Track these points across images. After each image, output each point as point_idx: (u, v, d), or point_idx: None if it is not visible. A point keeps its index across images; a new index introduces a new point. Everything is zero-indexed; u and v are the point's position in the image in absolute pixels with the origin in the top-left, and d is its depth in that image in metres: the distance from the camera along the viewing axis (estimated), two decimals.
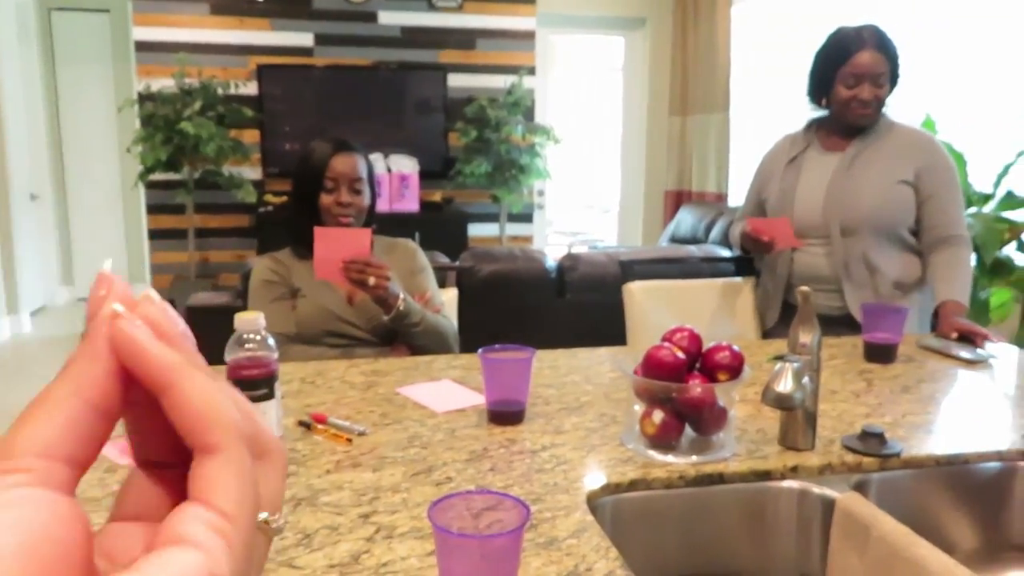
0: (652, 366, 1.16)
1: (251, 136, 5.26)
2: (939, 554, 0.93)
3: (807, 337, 1.18)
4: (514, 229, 5.78)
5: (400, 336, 1.85)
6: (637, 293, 2.20)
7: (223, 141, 4.79)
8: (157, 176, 4.93)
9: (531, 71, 5.68)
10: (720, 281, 2.36)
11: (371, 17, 5.46)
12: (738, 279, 2.37)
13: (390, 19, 5.49)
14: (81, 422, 0.27)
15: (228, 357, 1.16)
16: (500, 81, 5.60)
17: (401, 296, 1.78)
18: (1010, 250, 2.84)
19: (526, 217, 5.84)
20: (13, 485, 0.25)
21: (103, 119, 6.29)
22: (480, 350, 1.29)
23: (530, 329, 2.92)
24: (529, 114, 5.58)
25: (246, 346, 1.16)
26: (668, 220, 5.87)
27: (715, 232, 4.69)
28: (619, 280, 2.30)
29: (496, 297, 2.92)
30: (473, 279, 2.90)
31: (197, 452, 0.28)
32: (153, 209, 5.31)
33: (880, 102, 2.03)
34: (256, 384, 1.15)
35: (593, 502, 1.05)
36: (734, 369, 1.17)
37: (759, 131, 5.23)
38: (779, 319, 2.21)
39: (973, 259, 2.06)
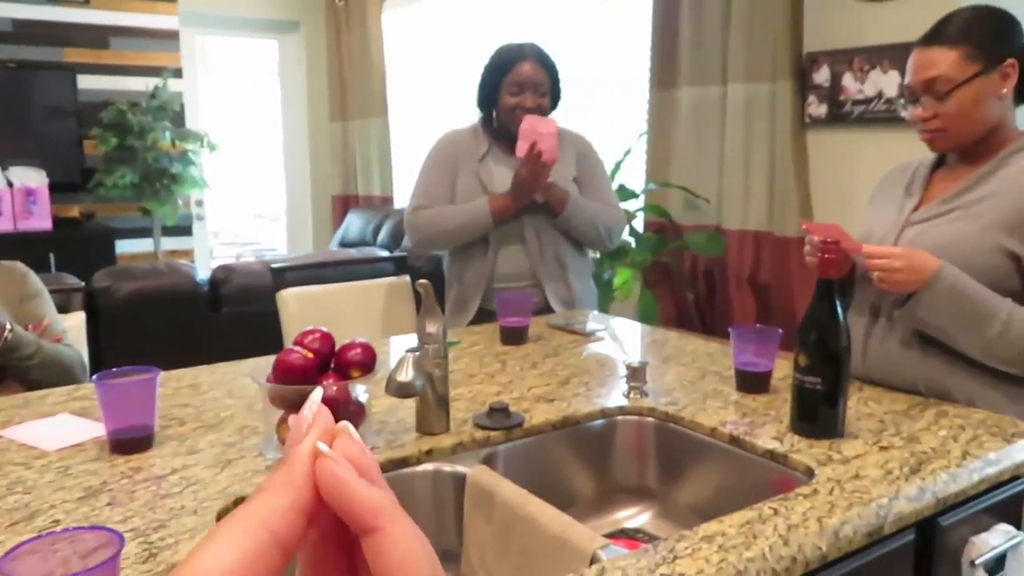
0: (282, 371, 1.15)
1: None
2: (548, 508, 1.04)
3: (433, 327, 1.25)
4: (171, 243, 5.36)
5: (11, 372, 1.62)
6: (291, 301, 2.17)
7: None
8: None
9: (177, 73, 5.31)
10: (376, 282, 2.41)
11: None
12: (395, 278, 2.44)
13: None
14: (264, 555, 0.26)
15: None
16: (142, 84, 5.15)
17: (8, 327, 1.56)
18: (625, 235, 3.28)
19: (184, 230, 5.45)
20: None
21: None
22: (95, 376, 1.18)
23: (184, 349, 2.72)
24: (178, 119, 5.21)
25: None
26: (337, 225, 5.86)
27: (383, 234, 4.78)
28: (275, 289, 2.24)
29: (142, 318, 2.68)
30: (112, 300, 2.63)
31: None
32: None
33: (543, 111, 2.16)
34: None
35: None
36: (366, 365, 1.20)
37: (419, 133, 5.43)
38: (472, 323, 2.23)
39: (616, 220, 2.26)
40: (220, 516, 1.00)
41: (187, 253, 5.49)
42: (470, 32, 4.86)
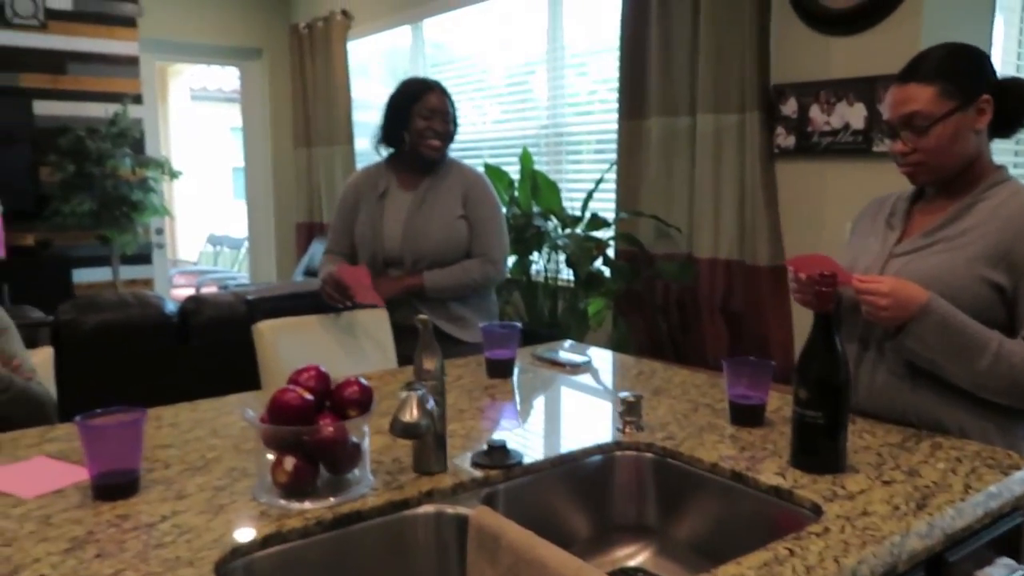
0: (279, 411, 1.11)
1: None
2: (557, 551, 1.02)
3: (430, 363, 1.22)
4: (130, 272, 5.24)
5: None
6: (267, 332, 2.11)
7: None
8: None
9: (137, 99, 5.22)
10: (352, 312, 2.36)
11: None
12: (371, 309, 2.39)
13: None
14: None
15: None
16: (100, 110, 5.05)
17: None
18: (599, 264, 3.29)
19: (143, 258, 5.33)
20: None
21: None
22: (77, 417, 1.13)
23: (152, 383, 2.64)
24: (138, 146, 5.11)
25: None
26: (301, 253, 5.78)
27: None
28: (248, 320, 2.18)
29: (108, 351, 2.59)
30: (77, 333, 2.54)
31: None
32: None
33: (448, 137, 2.36)
34: None
35: (223, 568, 0.97)
36: (363, 404, 1.17)
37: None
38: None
39: (483, 274, 2.36)
40: (218, 567, 0.95)
41: (147, 282, 5.36)
42: (435, 59, 4.87)
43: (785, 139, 3.04)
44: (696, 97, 3.23)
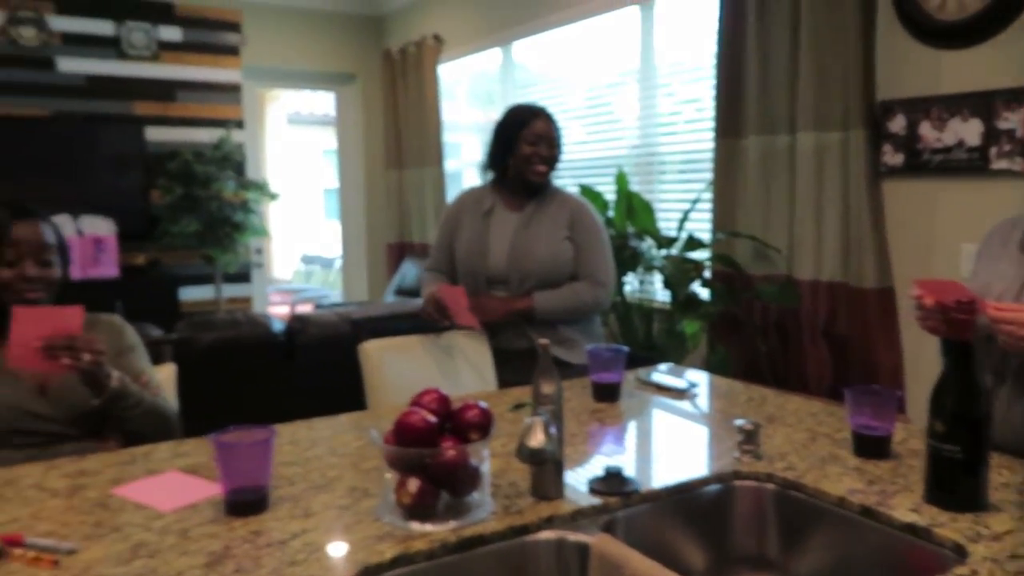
0: (405, 433, 1.13)
1: None
2: None
3: (549, 388, 1.22)
4: (231, 290, 5.45)
5: (111, 425, 1.62)
6: (373, 353, 2.15)
7: None
8: None
9: (239, 124, 5.45)
10: (453, 333, 2.38)
11: (47, 64, 4.89)
12: (472, 330, 2.41)
13: (72, 66, 4.96)
14: None
15: None
16: (206, 135, 5.30)
17: (115, 374, 1.57)
18: (695, 287, 3.23)
19: (243, 277, 5.53)
20: None
21: None
22: (212, 434, 1.17)
23: (260, 398, 2.73)
24: (240, 169, 5.33)
25: None
26: (392, 273, 5.90)
27: None
28: (351, 339, 2.23)
29: (219, 368, 2.69)
30: (192, 351, 2.65)
31: None
32: None
33: (554, 162, 2.40)
34: None
35: None
36: (484, 427, 1.18)
37: (474, 181, 5.47)
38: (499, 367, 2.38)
39: (592, 297, 2.37)
40: None
41: (246, 300, 5.57)
42: (524, 80, 4.91)
43: (893, 157, 2.93)
44: (796, 115, 3.16)
